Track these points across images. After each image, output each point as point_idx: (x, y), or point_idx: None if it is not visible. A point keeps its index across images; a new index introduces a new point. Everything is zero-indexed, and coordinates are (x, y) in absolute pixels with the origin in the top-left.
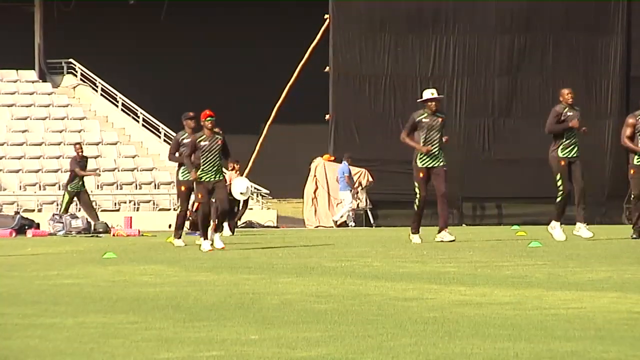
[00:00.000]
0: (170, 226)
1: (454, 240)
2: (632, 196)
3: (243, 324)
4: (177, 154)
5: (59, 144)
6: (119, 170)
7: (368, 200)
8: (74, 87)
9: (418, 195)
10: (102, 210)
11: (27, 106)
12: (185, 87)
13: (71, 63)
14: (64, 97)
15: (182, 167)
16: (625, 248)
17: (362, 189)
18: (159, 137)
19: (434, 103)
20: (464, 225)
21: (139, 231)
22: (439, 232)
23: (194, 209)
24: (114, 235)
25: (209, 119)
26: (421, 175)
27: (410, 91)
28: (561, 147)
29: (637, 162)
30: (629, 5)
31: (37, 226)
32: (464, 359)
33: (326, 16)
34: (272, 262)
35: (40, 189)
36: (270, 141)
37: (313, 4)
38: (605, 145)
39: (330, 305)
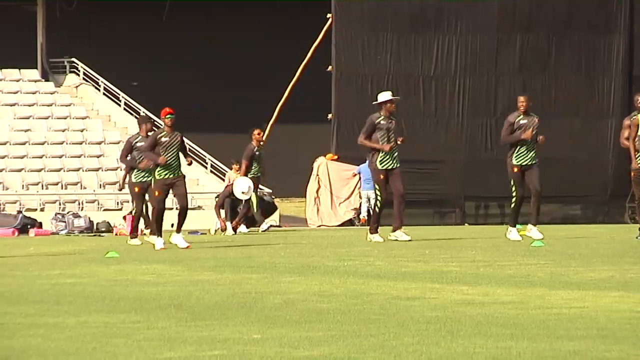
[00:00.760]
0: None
1: (410, 240)
2: (637, 197)
3: (245, 323)
4: (128, 157)
5: (62, 143)
6: (121, 170)
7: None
8: (77, 87)
9: (380, 197)
10: (104, 210)
11: (29, 105)
12: (187, 86)
13: (74, 62)
14: (66, 97)
15: (136, 170)
16: (628, 247)
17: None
18: None
19: (392, 105)
20: (466, 224)
21: (141, 230)
22: (394, 230)
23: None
24: (116, 234)
25: (169, 116)
26: (381, 177)
27: (413, 91)
28: (515, 154)
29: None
30: (632, 4)
31: (40, 225)
32: (466, 358)
33: (328, 15)
34: (274, 261)
35: (42, 188)
36: (273, 141)
37: (315, 4)
38: (607, 144)
39: (333, 305)
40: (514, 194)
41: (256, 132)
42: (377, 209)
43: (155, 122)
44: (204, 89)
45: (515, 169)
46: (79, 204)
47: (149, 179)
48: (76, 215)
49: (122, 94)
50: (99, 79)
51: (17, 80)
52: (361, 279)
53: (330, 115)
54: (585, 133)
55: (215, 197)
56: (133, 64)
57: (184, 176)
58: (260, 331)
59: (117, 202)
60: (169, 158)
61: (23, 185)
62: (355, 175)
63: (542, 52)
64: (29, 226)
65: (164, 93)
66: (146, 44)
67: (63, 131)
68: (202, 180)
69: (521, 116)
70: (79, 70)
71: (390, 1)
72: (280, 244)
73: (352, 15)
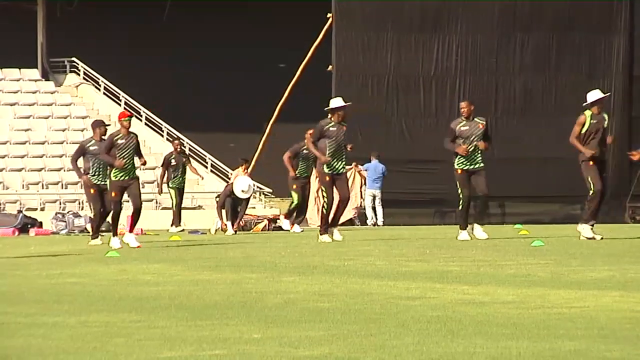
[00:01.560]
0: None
1: (340, 240)
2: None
3: (246, 323)
4: (81, 160)
5: (62, 143)
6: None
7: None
8: (77, 86)
9: (326, 199)
10: None
11: (30, 105)
12: (187, 86)
13: (74, 62)
14: (66, 96)
15: (91, 171)
16: (629, 247)
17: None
18: (162, 135)
19: (342, 112)
20: None
21: (141, 230)
22: (332, 226)
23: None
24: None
25: (127, 119)
26: (327, 179)
27: (414, 91)
28: (458, 159)
29: None
30: (632, 4)
31: (40, 225)
32: (466, 357)
33: (329, 15)
34: (274, 261)
35: (43, 188)
36: (273, 140)
37: (315, 4)
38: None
39: (333, 304)
40: (460, 195)
41: (309, 133)
42: (324, 211)
43: (156, 125)
44: (204, 88)
45: (459, 171)
46: (79, 203)
47: (105, 182)
48: (76, 215)
49: (122, 93)
50: (99, 79)
51: (18, 80)
52: (361, 278)
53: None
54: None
55: (216, 198)
56: (133, 64)
57: (138, 177)
58: (260, 331)
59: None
60: (125, 160)
61: (23, 185)
62: (361, 171)
63: (542, 52)
64: (29, 226)
65: (163, 93)
66: (146, 43)
67: (63, 131)
68: (202, 180)
69: (463, 122)
70: (79, 70)
71: (391, 1)
72: (280, 244)
73: (352, 15)
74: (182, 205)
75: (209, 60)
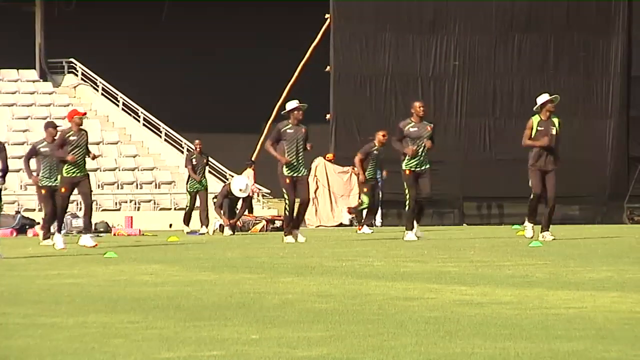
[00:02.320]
0: (171, 225)
1: (303, 242)
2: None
3: (244, 324)
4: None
5: None
6: (119, 170)
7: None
8: (75, 87)
9: (288, 200)
10: (102, 210)
11: (28, 106)
12: (186, 86)
13: (72, 63)
14: (64, 97)
15: (42, 172)
16: (627, 248)
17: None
18: (160, 136)
19: (299, 113)
20: (465, 224)
21: (139, 231)
22: (294, 229)
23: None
24: (114, 234)
25: (81, 117)
26: (287, 181)
27: (411, 91)
28: (406, 160)
29: None
30: (630, 5)
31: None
32: (464, 358)
33: (327, 16)
34: (273, 261)
35: None
36: None
37: (314, 4)
38: (606, 144)
39: (331, 305)
40: (407, 196)
41: (381, 134)
42: (286, 212)
43: (154, 126)
44: (203, 89)
45: (407, 172)
46: (77, 204)
47: (56, 183)
48: (74, 216)
49: (120, 94)
50: (97, 79)
51: (16, 81)
52: (360, 279)
53: (328, 116)
54: (584, 133)
55: (213, 199)
56: (131, 65)
57: (89, 175)
58: (258, 331)
59: (116, 203)
60: (76, 156)
61: (21, 186)
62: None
63: (540, 52)
64: (27, 226)
65: (162, 93)
66: (145, 44)
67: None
68: None
69: (412, 123)
70: (77, 71)
71: (389, 1)
72: (278, 245)
73: (350, 15)
74: (181, 206)
75: (207, 61)
